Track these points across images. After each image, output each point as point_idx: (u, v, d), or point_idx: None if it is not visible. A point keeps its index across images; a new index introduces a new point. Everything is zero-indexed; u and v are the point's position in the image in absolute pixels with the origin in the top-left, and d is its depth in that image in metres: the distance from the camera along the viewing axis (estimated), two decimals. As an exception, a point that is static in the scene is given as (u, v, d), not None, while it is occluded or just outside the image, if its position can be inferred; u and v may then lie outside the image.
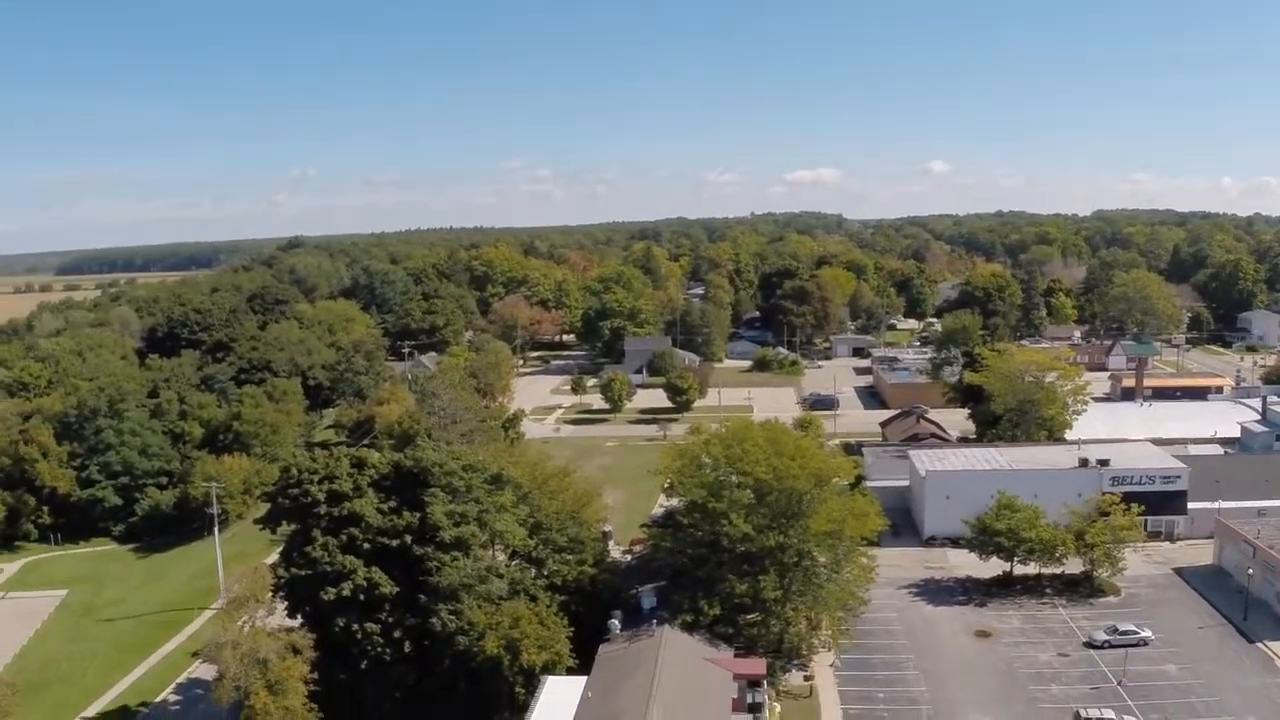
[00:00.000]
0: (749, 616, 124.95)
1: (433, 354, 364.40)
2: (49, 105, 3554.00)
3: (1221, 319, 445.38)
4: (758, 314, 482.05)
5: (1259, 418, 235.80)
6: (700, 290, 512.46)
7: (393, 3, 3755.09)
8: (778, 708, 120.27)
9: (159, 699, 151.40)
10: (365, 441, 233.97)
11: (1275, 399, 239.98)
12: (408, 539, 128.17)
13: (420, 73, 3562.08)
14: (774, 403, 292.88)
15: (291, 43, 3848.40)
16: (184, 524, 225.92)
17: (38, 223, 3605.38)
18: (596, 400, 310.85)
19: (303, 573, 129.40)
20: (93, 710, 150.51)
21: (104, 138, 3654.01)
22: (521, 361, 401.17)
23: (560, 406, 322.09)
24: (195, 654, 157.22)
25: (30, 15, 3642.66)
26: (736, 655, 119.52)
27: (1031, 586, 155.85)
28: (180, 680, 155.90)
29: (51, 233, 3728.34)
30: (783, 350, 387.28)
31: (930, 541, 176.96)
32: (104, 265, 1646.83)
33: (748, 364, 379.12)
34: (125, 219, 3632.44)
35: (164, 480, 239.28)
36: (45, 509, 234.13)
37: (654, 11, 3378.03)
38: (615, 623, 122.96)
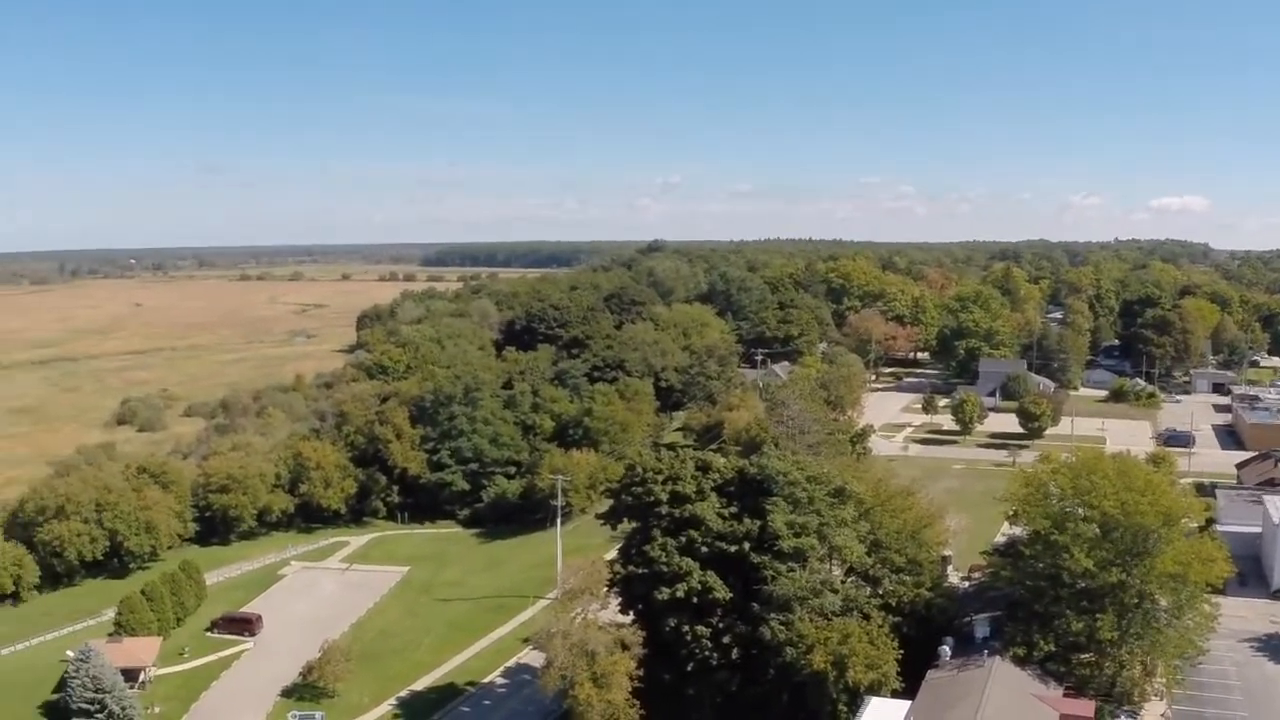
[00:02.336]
0: (1082, 656, 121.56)
1: (785, 363, 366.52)
2: (419, 103, 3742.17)
3: None
4: (1116, 342, 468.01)
5: None
6: (1058, 315, 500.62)
7: (765, 16, 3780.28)
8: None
9: (486, 680, 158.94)
10: (713, 446, 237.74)
11: None
12: (746, 546, 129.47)
13: (782, 84, 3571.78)
14: (1128, 435, 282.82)
15: (659, 51, 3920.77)
16: (527, 513, 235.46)
17: (404, 215, 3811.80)
18: (947, 421, 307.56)
19: (639, 571, 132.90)
20: (421, 684, 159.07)
21: (471, 136, 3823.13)
22: (874, 377, 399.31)
23: (910, 425, 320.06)
24: (526, 640, 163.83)
25: (406, 20, 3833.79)
26: (1065, 694, 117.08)
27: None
28: (509, 664, 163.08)
29: (417, 225, 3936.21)
30: (1140, 381, 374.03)
31: (1278, 594, 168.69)
32: (466, 259, 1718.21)
33: (1103, 393, 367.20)
34: (489, 215, 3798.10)
35: (512, 470, 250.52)
36: (395, 488, 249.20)
37: (1022, 37, 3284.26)
38: (946, 649, 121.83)
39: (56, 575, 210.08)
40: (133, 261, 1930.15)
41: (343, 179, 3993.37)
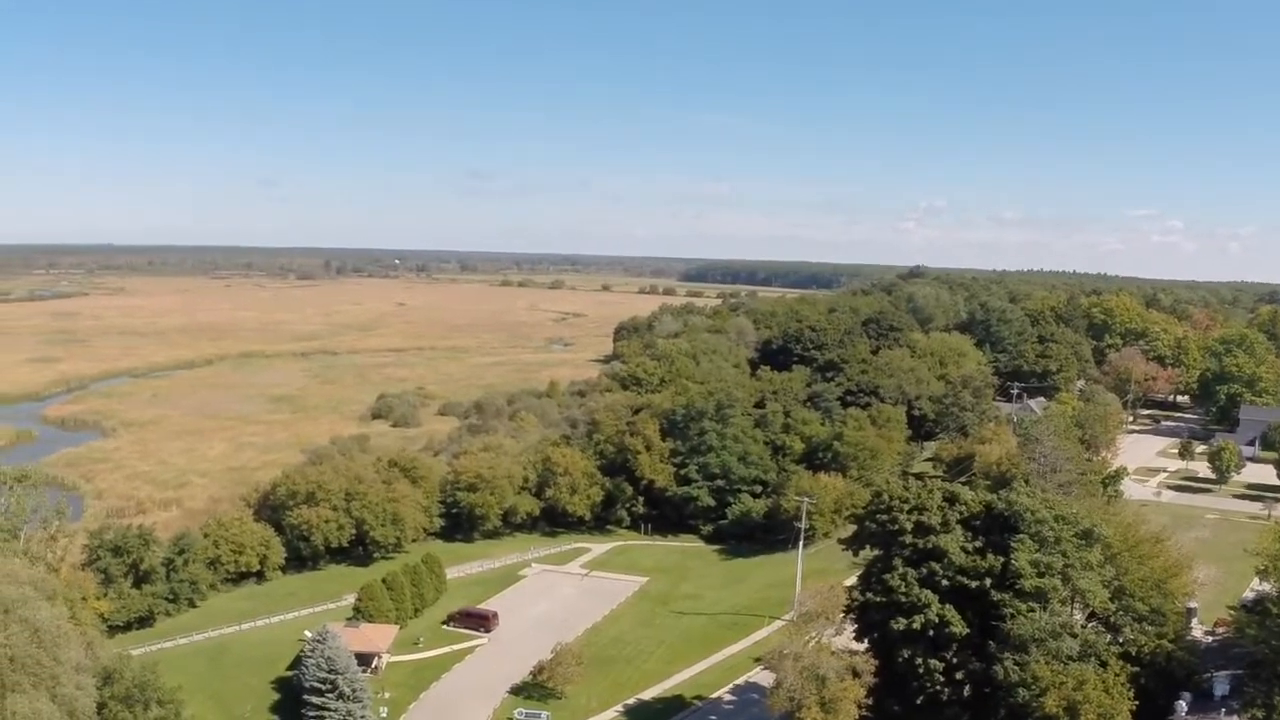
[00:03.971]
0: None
1: (1041, 399, 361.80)
2: (688, 118, 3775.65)
3: None
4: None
5: None
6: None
7: (1034, 48, 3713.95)
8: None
9: (714, 695, 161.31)
10: (962, 479, 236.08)
11: None
12: (987, 582, 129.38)
13: (1053, 112, 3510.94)
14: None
15: (929, 78, 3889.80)
16: (770, 533, 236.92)
17: (668, 229, 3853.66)
18: (1203, 468, 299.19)
19: (877, 599, 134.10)
20: (649, 694, 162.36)
21: (739, 153, 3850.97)
22: (1131, 418, 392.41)
23: (1164, 470, 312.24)
24: (758, 659, 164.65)
25: (681, 38, 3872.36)
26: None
27: None
28: (739, 682, 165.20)
29: (679, 239, 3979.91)
30: None
31: None
32: (726, 275, 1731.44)
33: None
34: (752, 233, 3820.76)
35: (758, 489, 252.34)
36: (640, 499, 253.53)
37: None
38: (1183, 704, 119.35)
39: (302, 558, 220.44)
40: (397, 262, 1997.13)
41: (607, 191, 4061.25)
